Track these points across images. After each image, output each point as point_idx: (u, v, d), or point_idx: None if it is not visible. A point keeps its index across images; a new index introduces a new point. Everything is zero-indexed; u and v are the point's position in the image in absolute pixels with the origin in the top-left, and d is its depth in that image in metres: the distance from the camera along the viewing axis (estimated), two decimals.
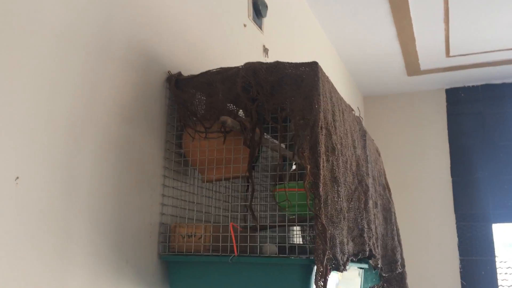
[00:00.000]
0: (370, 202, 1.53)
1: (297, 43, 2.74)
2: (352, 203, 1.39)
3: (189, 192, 1.41)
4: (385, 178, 2.21)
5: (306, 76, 1.24)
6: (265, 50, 2.20)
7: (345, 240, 1.25)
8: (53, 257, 0.97)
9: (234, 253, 1.23)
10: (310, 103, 1.21)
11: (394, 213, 2.10)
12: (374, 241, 1.65)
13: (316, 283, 1.08)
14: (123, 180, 1.20)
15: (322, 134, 1.19)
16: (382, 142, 4.53)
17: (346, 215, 1.32)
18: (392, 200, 2.12)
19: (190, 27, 1.59)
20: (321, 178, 1.14)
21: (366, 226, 1.47)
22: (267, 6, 2.17)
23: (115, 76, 1.20)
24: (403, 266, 2.10)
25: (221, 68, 1.37)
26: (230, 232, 1.23)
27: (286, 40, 2.55)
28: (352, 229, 1.37)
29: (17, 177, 0.90)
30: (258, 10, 2.10)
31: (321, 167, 1.15)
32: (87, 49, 1.12)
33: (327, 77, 1.33)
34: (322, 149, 1.19)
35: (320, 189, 1.13)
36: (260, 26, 2.16)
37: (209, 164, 1.35)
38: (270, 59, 2.27)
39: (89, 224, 1.07)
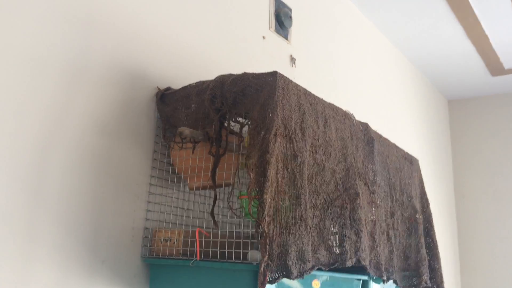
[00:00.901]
0: (360, 211, 1.48)
1: (348, 50, 2.71)
2: (329, 211, 1.37)
3: (176, 198, 1.50)
4: (421, 186, 2.09)
5: (265, 86, 1.27)
6: (292, 60, 2.22)
7: (308, 248, 1.24)
8: (15, 258, 1.12)
9: (203, 257, 1.29)
10: (264, 111, 1.23)
11: (426, 225, 1.98)
12: (380, 252, 1.59)
13: None
14: (100, 188, 1.32)
15: (275, 142, 1.20)
16: (470, 148, 4.21)
17: (315, 223, 1.31)
18: (424, 211, 2.00)
19: (192, 44, 1.69)
20: (267, 186, 1.15)
21: (353, 235, 1.43)
22: (291, 17, 2.19)
23: (92, 94, 1.33)
24: (437, 282, 1.97)
25: (199, 81, 1.44)
26: (196, 238, 1.30)
27: (332, 48, 2.53)
28: (327, 238, 1.35)
29: None
30: (281, 22, 2.14)
31: (269, 175, 1.16)
32: (59, 72, 1.26)
33: (296, 85, 1.33)
34: (275, 157, 1.20)
35: (265, 197, 1.14)
36: (285, 36, 2.19)
37: (191, 172, 1.42)
38: (303, 68, 2.28)
39: (56, 228, 1.21)
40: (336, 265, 1.35)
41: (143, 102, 1.48)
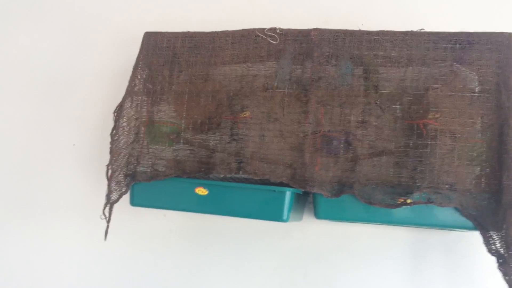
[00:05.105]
0: (250, 125, 1.51)
1: None
2: (203, 127, 1.56)
3: None
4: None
5: None
6: None
7: (168, 160, 1.56)
8: (98, 180, 2.09)
9: None
10: None
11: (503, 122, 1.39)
12: (312, 163, 1.49)
13: None
14: None
15: (134, 87, 1.64)
16: None
17: (187, 140, 1.56)
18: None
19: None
20: (119, 119, 1.62)
21: (234, 148, 1.51)
22: None
23: None
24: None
25: None
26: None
27: None
28: (198, 151, 1.55)
29: (74, 144, 2.14)
30: None
31: (123, 111, 1.63)
32: (116, 73, 2.15)
33: (171, 34, 1.64)
34: (134, 100, 1.64)
35: (117, 124, 1.62)
36: None
37: None
38: None
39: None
40: (199, 174, 1.54)
41: None
